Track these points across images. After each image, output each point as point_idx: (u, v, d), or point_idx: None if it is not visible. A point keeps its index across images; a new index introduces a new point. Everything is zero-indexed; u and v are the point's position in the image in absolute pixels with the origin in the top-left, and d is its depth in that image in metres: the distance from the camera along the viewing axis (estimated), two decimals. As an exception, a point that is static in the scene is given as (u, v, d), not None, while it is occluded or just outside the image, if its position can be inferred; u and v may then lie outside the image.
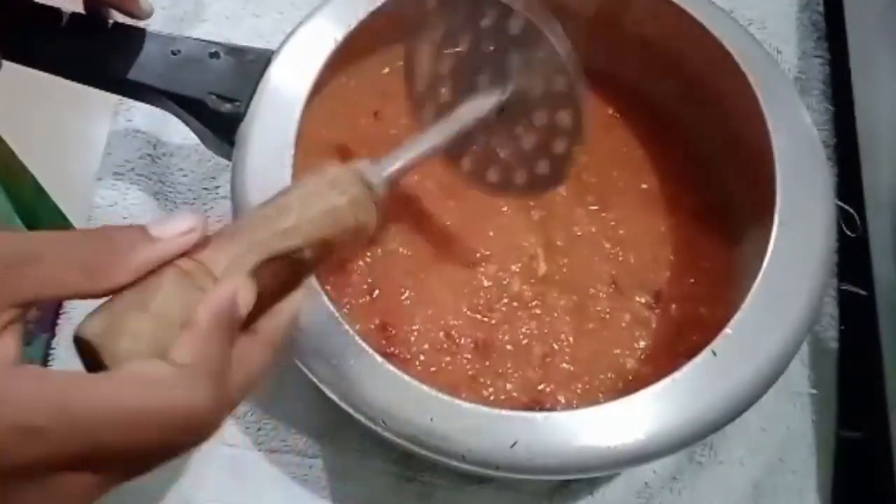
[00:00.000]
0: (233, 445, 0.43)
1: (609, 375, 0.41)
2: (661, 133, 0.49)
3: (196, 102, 0.41)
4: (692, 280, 0.44)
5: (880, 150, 0.47)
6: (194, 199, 0.50)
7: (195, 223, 0.24)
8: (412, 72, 0.40)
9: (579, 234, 0.45)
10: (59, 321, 0.46)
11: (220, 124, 0.41)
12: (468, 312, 0.43)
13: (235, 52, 0.42)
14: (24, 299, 0.22)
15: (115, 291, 0.23)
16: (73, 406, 0.20)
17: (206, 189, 0.50)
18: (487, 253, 0.44)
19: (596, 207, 0.46)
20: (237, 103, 0.41)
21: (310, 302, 0.36)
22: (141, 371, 0.21)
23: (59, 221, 0.66)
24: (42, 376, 0.21)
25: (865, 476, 0.45)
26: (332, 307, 0.36)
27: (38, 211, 0.61)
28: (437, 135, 0.36)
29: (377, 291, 0.43)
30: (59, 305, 0.47)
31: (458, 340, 0.42)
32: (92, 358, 0.23)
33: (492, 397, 0.40)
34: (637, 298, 0.44)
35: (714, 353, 0.35)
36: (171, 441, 0.22)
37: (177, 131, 0.51)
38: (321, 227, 0.28)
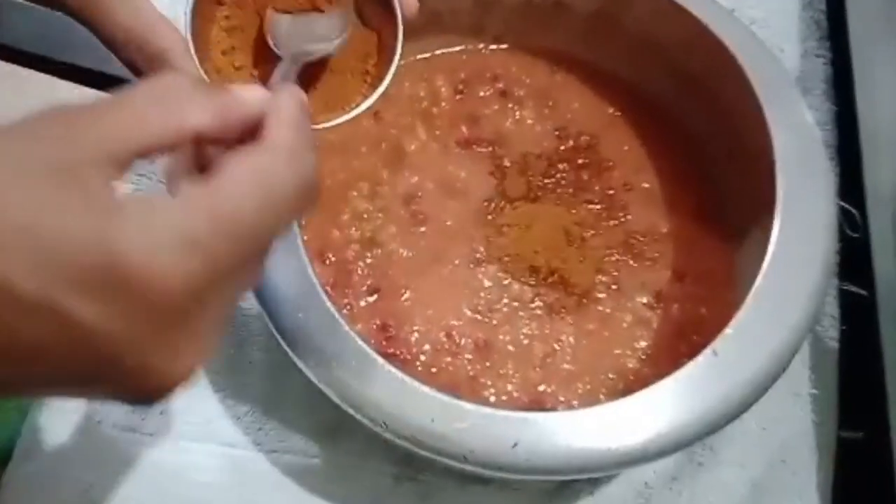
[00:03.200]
0: (233, 445, 0.43)
1: (610, 376, 0.41)
2: (663, 132, 0.48)
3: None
4: (693, 280, 0.44)
5: (882, 150, 0.47)
6: (195, 198, 0.50)
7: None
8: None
9: (580, 234, 0.45)
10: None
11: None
12: (468, 313, 0.43)
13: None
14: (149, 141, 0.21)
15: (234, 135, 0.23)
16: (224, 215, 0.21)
17: (206, 188, 0.50)
18: (488, 253, 0.44)
19: (597, 207, 0.46)
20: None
21: (310, 303, 0.36)
22: (254, 160, 0.22)
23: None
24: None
25: (866, 476, 0.45)
26: (332, 308, 0.36)
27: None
28: None
29: (377, 292, 0.43)
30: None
31: (458, 341, 0.42)
32: None
33: (492, 398, 0.40)
34: (638, 298, 0.44)
35: (715, 353, 0.35)
36: (301, 208, 0.23)
37: (177, 131, 0.51)
38: None
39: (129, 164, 0.21)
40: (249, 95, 0.24)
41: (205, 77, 0.31)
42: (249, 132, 0.24)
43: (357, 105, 0.34)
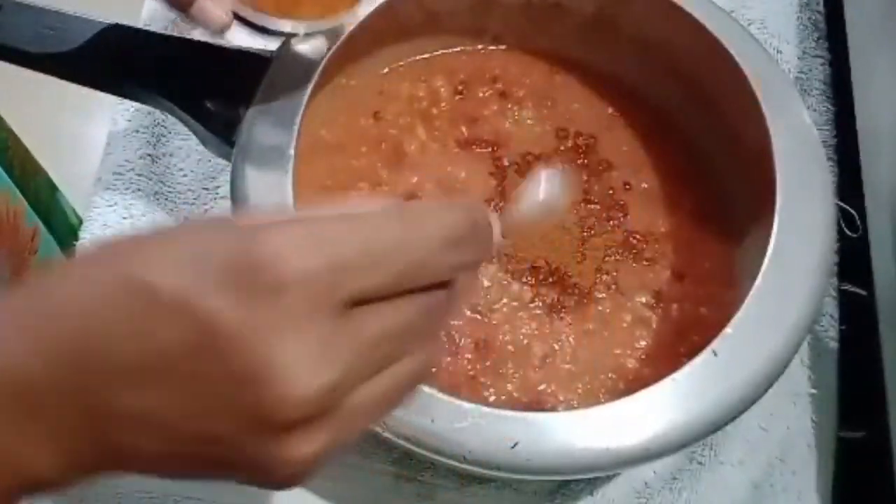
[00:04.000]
0: (233, 446, 0.43)
1: (610, 376, 0.41)
2: (662, 133, 0.48)
3: (195, 103, 0.41)
4: (692, 280, 0.44)
5: (881, 150, 0.47)
6: (194, 199, 0.50)
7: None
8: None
9: (579, 234, 0.45)
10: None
11: (220, 125, 0.41)
12: (468, 312, 0.43)
13: (235, 52, 0.42)
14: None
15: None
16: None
17: (205, 189, 0.50)
18: (487, 253, 0.44)
19: (596, 207, 0.46)
20: (237, 104, 0.41)
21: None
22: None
23: (72, 220, 0.67)
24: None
25: (865, 476, 0.45)
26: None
27: (52, 208, 0.62)
28: None
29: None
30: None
31: (458, 340, 0.42)
32: None
33: (492, 398, 0.40)
34: (637, 298, 0.44)
35: (714, 353, 0.35)
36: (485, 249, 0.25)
37: (177, 132, 0.51)
38: None
39: None
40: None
41: None
42: None
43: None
